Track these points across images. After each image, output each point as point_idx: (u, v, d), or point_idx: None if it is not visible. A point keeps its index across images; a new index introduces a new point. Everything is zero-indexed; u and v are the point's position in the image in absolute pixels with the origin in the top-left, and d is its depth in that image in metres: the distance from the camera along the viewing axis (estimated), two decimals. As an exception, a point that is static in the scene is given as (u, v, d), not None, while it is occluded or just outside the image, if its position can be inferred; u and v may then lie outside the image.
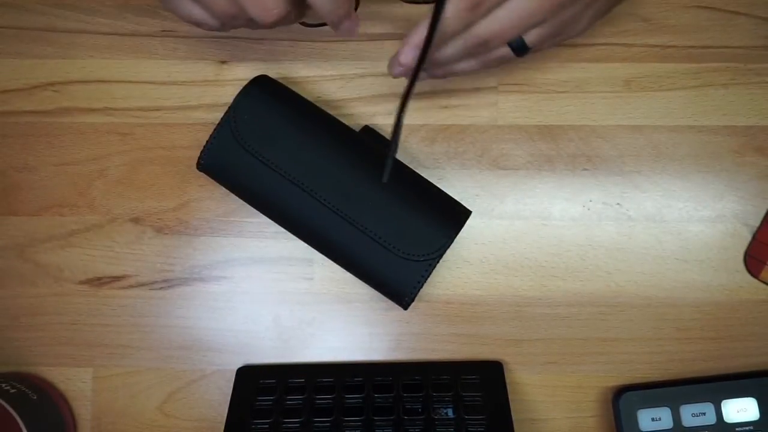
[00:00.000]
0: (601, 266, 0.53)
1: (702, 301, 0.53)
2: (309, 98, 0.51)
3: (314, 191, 0.47)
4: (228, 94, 0.54)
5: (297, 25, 0.53)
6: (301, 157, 0.47)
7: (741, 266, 0.53)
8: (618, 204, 0.53)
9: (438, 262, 0.47)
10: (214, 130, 0.49)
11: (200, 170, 0.50)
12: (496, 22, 0.40)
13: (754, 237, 0.53)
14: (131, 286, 0.54)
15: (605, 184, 0.53)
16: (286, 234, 0.54)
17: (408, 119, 0.53)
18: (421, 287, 0.48)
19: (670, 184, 0.53)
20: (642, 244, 0.53)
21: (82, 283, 0.54)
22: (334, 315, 0.54)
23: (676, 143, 0.53)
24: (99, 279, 0.54)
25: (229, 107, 0.48)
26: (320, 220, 0.48)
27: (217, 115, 0.54)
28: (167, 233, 0.54)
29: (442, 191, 0.50)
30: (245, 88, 0.49)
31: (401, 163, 0.51)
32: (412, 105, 0.53)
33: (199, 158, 0.49)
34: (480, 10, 0.39)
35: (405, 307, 0.49)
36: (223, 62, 0.54)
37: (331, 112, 0.51)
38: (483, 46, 0.42)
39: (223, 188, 0.54)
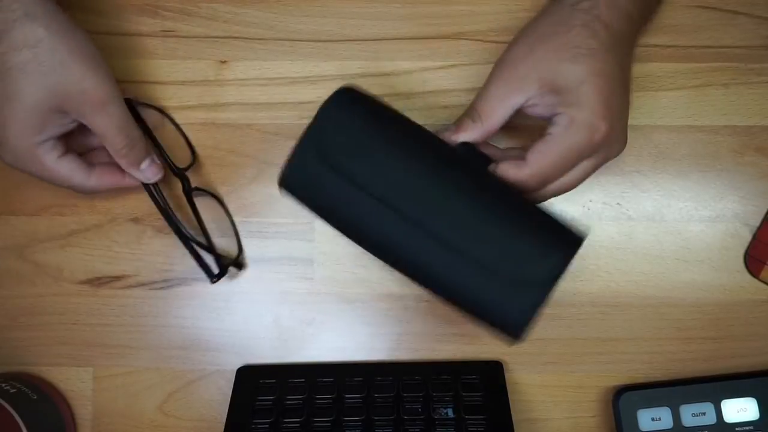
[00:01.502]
0: (601, 266, 0.53)
1: (702, 301, 0.53)
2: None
3: (407, 213, 0.40)
4: (228, 93, 0.54)
5: (298, 25, 0.53)
6: (394, 175, 0.41)
7: (741, 266, 0.53)
8: (618, 204, 0.53)
9: (555, 285, 0.40)
10: (297, 145, 0.41)
11: (283, 189, 0.43)
12: (564, 186, 0.46)
13: (755, 237, 0.53)
14: (131, 286, 0.54)
15: (605, 184, 0.53)
16: (286, 234, 0.54)
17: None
18: (536, 314, 0.40)
19: (670, 184, 0.53)
20: (642, 244, 0.53)
21: (81, 282, 0.54)
22: (334, 315, 0.54)
23: (676, 143, 0.53)
24: (99, 279, 0.54)
25: (314, 119, 0.41)
26: (416, 246, 0.41)
27: (217, 115, 0.54)
28: (167, 233, 0.54)
29: (548, 212, 0.43)
30: (332, 98, 0.42)
31: (502, 183, 0.44)
32: (412, 105, 0.53)
33: (281, 176, 0.42)
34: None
35: (517, 337, 0.41)
36: (223, 62, 0.54)
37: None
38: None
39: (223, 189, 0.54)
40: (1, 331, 0.54)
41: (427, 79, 0.53)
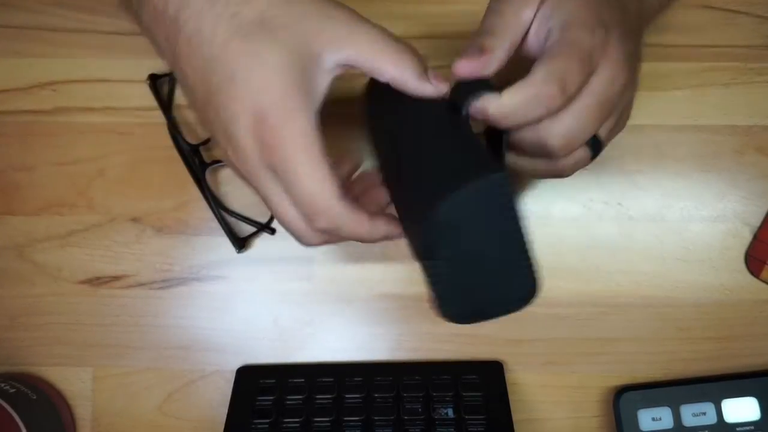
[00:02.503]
0: (602, 266, 0.53)
1: (703, 300, 0.53)
2: None
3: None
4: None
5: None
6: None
7: (742, 266, 0.53)
8: (619, 203, 0.53)
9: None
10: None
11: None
12: (567, 125, 0.37)
13: (755, 237, 0.53)
14: (130, 286, 0.54)
15: (606, 184, 0.53)
16: (285, 234, 0.53)
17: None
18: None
19: (671, 184, 0.53)
20: (643, 243, 0.53)
21: (81, 282, 0.54)
22: (334, 315, 0.54)
23: (676, 143, 0.53)
24: (98, 279, 0.54)
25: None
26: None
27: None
28: (167, 233, 0.54)
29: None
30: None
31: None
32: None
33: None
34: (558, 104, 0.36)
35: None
36: (223, 61, 0.54)
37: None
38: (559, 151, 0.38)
39: (223, 189, 0.54)
40: (0, 331, 0.54)
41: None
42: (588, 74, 0.36)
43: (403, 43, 0.38)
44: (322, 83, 0.37)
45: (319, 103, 0.36)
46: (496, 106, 0.36)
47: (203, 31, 0.35)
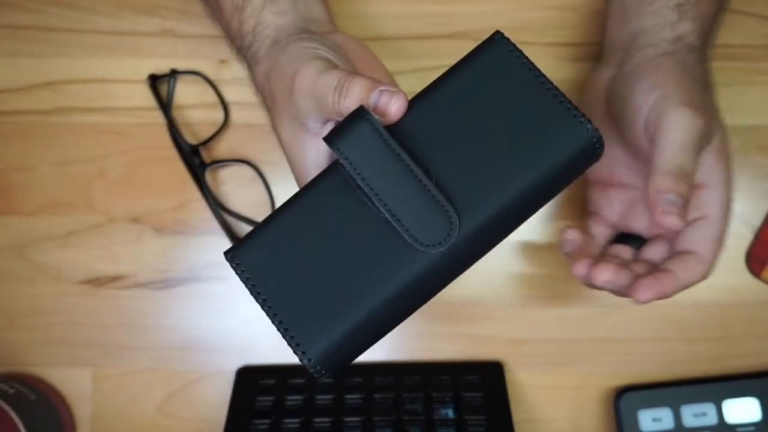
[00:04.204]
0: (602, 266, 0.53)
1: (703, 301, 0.53)
2: None
3: None
4: (228, 93, 0.54)
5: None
6: None
7: (743, 266, 0.53)
8: (619, 203, 0.53)
9: None
10: None
11: None
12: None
13: (756, 237, 0.53)
14: (130, 286, 0.54)
15: (606, 184, 0.53)
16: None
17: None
18: None
19: (671, 184, 0.53)
20: (643, 243, 0.53)
21: (80, 283, 0.54)
22: (333, 315, 0.54)
23: (676, 143, 0.53)
24: (98, 279, 0.54)
25: None
26: None
27: (217, 115, 0.54)
28: (166, 233, 0.54)
29: None
30: None
31: None
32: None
33: None
34: None
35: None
36: (223, 62, 0.54)
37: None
38: None
39: (222, 189, 0.54)
40: (0, 331, 0.54)
41: (427, 80, 0.53)
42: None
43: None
44: None
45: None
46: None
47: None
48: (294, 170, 0.41)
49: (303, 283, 0.34)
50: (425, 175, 0.34)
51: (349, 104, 0.35)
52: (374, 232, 0.34)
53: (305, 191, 0.36)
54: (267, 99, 0.43)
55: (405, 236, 0.34)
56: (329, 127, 0.38)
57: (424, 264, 0.34)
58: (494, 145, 0.34)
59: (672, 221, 0.37)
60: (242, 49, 0.44)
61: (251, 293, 0.35)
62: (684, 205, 0.38)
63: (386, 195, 0.34)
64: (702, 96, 0.42)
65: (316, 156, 0.39)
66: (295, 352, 0.34)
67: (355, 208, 0.35)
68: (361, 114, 0.34)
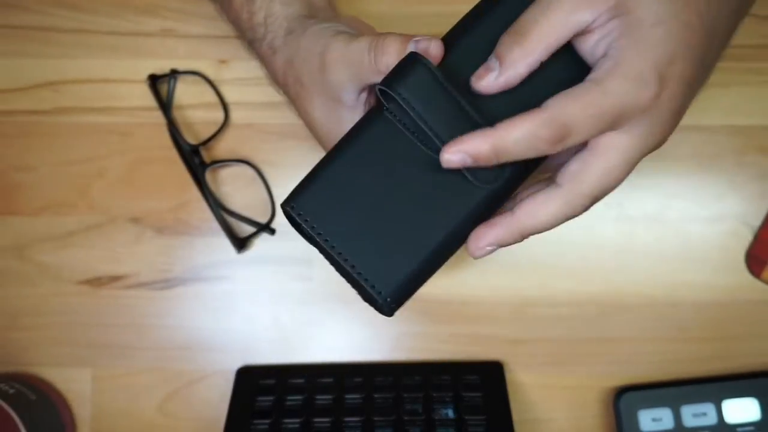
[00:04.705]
0: (602, 266, 0.53)
1: (703, 301, 0.53)
2: None
3: None
4: (228, 93, 0.54)
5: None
6: None
7: (742, 266, 0.53)
8: (619, 204, 0.53)
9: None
10: None
11: None
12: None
13: (756, 237, 0.53)
14: (131, 286, 0.54)
15: (606, 184, 0.53)
16: (285, 234, 0.54)
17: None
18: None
19: (671, 184, 0.53)
20: (643, 244, 0.53)
21: (81, 283, 0.54)
22: (333, 315, 0.54)
23: (676, 143, 0.53)
24: (98, 279, 0.54)
25: None
26: None
27: (217, 115, 0.54)
28: (167, 233, 0.54)
29: None
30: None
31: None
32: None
33: None
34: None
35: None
36: (223, 62, 0.54)
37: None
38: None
39: (222, 189, 0.54)
40: (0, 331, 0.54)
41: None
42: (601, 132, 0.33)
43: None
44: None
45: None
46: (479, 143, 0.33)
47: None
48: (330, 147, 0.39)
49: (364, 223, 0.36)
50: (477, 114, 0.35)
51: (388, 60, 0.36)
52: (430, 172, 0.35)
53: (352, 138, 0.36)
54: (291, 86, 0.42)
55: (465, 173, 0.35)
56: (364, 96, 0.39)
57: (481, 198, 0.35)
58: (531, 78, 0.35)
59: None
60: (255, 42, 0.44)
61: (314, 240, 0.36)
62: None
63: (445, 135, 0.34)
64: None
65: None
66: (366, 290, 0.36)
67: (408, 149, 0.36)
68: (416, 58, 0.35)
